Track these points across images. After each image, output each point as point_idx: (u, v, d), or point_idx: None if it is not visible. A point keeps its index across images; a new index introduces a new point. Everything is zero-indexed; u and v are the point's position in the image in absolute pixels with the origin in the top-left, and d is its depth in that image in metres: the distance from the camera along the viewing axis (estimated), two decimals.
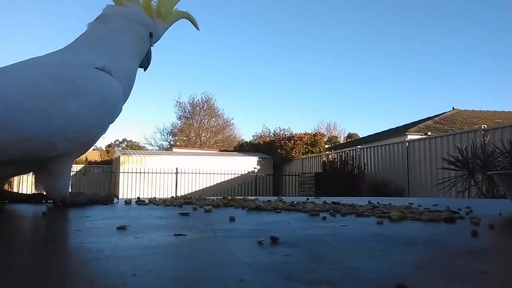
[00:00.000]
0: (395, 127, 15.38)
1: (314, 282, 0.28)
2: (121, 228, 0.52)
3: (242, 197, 1.07)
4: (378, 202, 0.97)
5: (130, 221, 0.62)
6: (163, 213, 0.74)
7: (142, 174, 12.17)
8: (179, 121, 26.62)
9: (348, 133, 29.10)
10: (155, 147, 25.84)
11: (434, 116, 15.25)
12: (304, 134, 15.13)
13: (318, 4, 37.26)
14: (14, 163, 0.85)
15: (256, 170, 13.44)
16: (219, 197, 1.03)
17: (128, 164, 12.37)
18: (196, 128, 25.69)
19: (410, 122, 15.35)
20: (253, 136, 24.80)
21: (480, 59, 38.30)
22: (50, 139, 0.81)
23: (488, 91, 39.14)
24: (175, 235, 0.47)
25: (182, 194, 11.17)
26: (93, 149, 23.53)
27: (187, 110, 26.24)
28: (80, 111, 0.84)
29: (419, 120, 15.14)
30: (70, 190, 0.91)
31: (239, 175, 13.00)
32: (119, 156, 12.86)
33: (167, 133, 26.73)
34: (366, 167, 9.31)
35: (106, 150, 27.41)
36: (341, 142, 22.65)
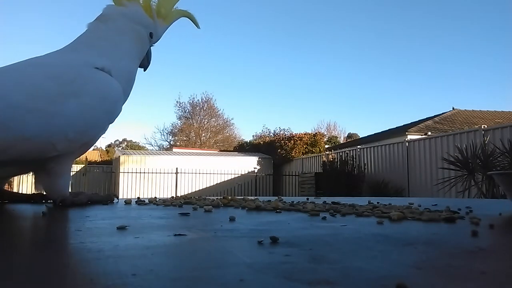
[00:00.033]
0: (395, 127, 15.39)
1: (314, 282, 0.28)
2: (121, 228, 0.52)
3: (242, 197, 1.07)
4: (378, 202, 0.97)
5: (130, 221, 0.62)
6: (163, 213, 0.74)
7: (142, 174, 12.17)
8: (179, 121, 26.66)
9: (348, 133, 29.13)
10: (155, 147, 25.89)
11: (434, 116, 15.25)
12: (304, 134, 15.13)
13: (318, 4, 37.30)
14: (14, 163, 0.85)
15: (256, 170, 13.44)
16: (219, 197, 1.03)
17: (128, 164, 12.37)
18: (196, 128, 25.69)
19: (410, 122, 15.36)
20: (253, 136, 24.84)
21: (480, 59, 38.35)
22: (50, 139, 0.81)
23: (488, 91, 39.19)
24: (175, 235, 0.47)
25: (182, 194, 11.17)
26: (93, 149, 23.55)
27: (187, 110, 26.27)
28: (80, 111, 0.84)
29: (419, 120, 15.15)
30: (70, 190, 0.91)
31: (239, 175, 13.01)
32: (119, 156, 12.87)
33: (167, 133, 26.77)
34: (366, 167, 9.31)
35: (106, 150, 27.41)
36: (341, 142, 22.65)
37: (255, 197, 1.14)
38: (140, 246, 0.41)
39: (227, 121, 26.45)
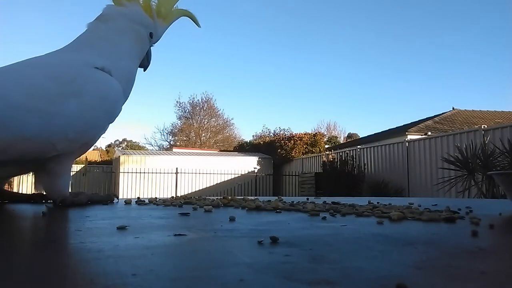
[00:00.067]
0: (395, 127, 15.39)
1: (314, 282, 0.28)
2: (121, 228, 0.52)
3: (242, 197, 1.07)
4: (378, 202, 0.97)
5: (130, 221, 0.62)
6: (163, 213, 0.74)
7: (142, 174, 12.17)
8: (179, 121, 26.66)
9: (348, 133, 29.13)
10: (155, 147, 25.88)
11: (434, 116, 15.25)
12: (304, 134, 15.13)
13: (318, 4, 37.30)
14: (14, 163, 0.85)
15: (256, 170, 13.44)
16: (219, 197, 1.03)
17: (128, 164, 12.37)
18: (196, 128, 25.69)
19: (410, 122, 15.36)
20: (253, 136, 24.83)
21: (480, 59, 38.35)
22: (50, 139, 0.81)
23: (488, 91, 39.19)
24: (175, 235, 0.47)
25: (182, 194, 11.17)
26: (93, 149, 23.54)
27: (187, 110, 26.27)
28: (80, 111, 0.84)
29: (419, 120, 15.15)
30: (70, 190, 0.91)
31: (239, 175, 13.00)
32: (119, 156, 12.86)
33: (167, 133, 26.76)
34: (366, 167, 9.31)
35: (106, 150, 27.41)
36: (341, 142, 22.65)
37: (255, 197, 1.14)
38: (140, 246, 0.41)
39: (227, 121, 26.48)
